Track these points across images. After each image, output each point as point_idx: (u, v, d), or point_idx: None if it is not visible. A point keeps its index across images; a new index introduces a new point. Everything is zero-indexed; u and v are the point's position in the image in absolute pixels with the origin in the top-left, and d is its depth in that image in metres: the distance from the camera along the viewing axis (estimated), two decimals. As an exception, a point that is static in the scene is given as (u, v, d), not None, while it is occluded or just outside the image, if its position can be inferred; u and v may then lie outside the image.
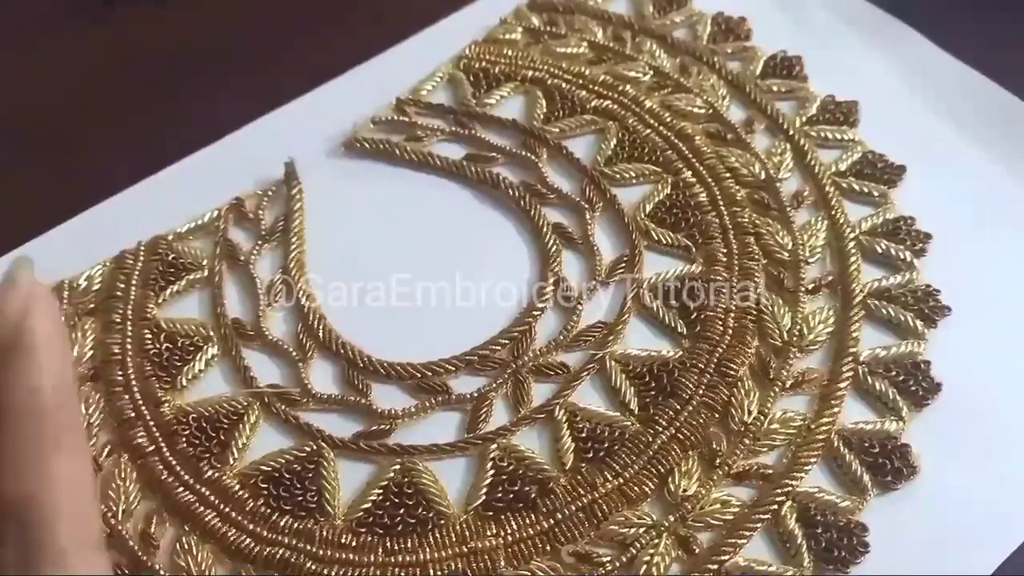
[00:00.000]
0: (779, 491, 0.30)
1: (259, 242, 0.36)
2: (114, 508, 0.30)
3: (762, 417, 0.32)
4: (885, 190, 0.37)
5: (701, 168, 0.38)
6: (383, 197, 0.38)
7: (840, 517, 0.30)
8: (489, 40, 0.43)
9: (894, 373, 0.33)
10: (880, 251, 0.36)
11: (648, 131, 0.39)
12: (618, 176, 0.38)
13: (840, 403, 0.32)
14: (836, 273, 0.35)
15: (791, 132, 0.39)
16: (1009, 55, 0.42)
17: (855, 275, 0.35)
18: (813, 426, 0.32)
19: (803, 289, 0.35)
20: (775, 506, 0.30)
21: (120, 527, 0.30)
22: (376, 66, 0.42)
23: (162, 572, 0.29)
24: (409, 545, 0.29)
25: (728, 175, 0.38)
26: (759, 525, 0.30)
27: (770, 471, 0.31)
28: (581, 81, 0.41)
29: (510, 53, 0.42)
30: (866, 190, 0.37)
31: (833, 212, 0.37)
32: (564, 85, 0.41)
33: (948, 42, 0.42)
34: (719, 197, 0.37)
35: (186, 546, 0.29)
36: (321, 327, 0.34)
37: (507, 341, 0.34)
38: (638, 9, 0.44)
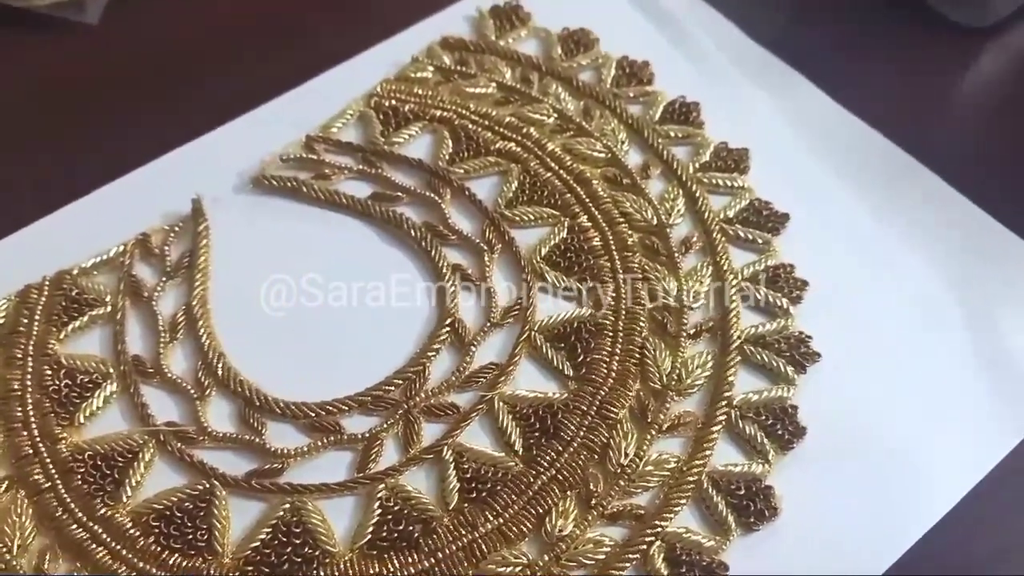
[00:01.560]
0: (649, 531, 0.32)
1: (163, 278, 0.37)
2: (9, 543, 0.31)
3: (638, 459, 0.34)
4: (769, 237, 0.39)
5: (596, 213, 0.39)
6: (289, 234, 0.39)
7: (704, 556, 0.32)
8: (400, 78, 0.44)
9: (763, 417, 0.35)
10: (759, 298, 0.38)
11: (549, 174, 0.41)
12: (518, 219, 0.39)
13: (712, 446, 0.34)
14: (717, 319, 0.37)
15: (684, 178, 0.41)
16: (894, 105, 0.44)
17: (734, 321, 0.37)
18: (685, 468, 0.34)
19: (685, 334, 0.37)
20: (644, 546, 0.32)
21: (14, 562, 0.31)
22: (288, 102, 0.43)
23: None
24: (291, 586, 0.31)
25: (622, 220, 0.39)
26: (629, 565, 0.32)
27: (642, 512, 0.33)
28: (487, 122, 0.42)
29: (420, 92, 0.43)
30: (751, 237, 0.39)
31: (719, 259, 0.39)
32: (470, 126, 0.42)
33: (838, 91, 0.44)
34: (612, 242, 0.39)
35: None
36: (220, 364, 0.35)
37: (401, 381, 0.35)
38: (547, 51, 0.45)
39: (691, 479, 0.33)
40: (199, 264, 0.38)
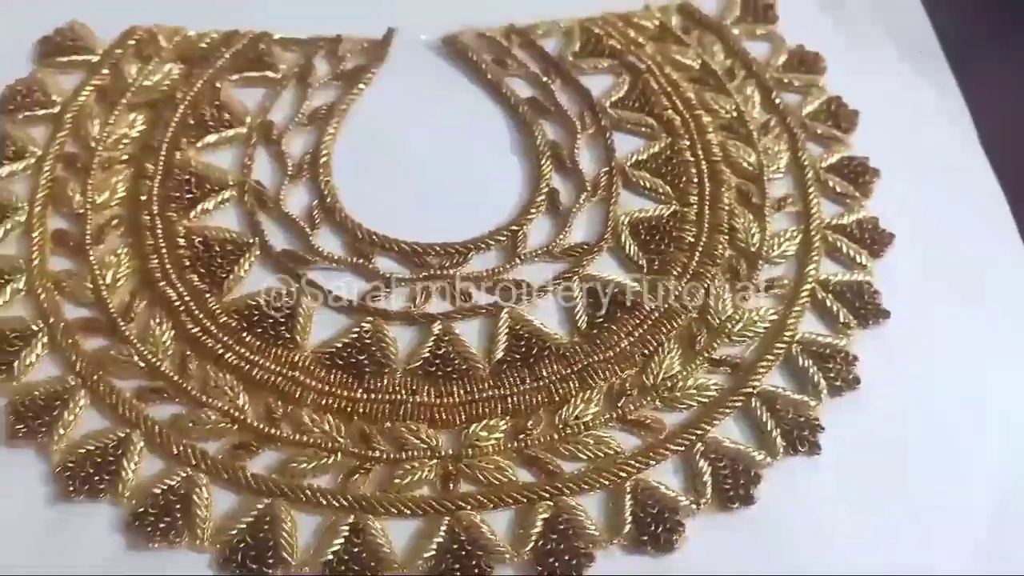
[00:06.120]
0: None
1: (300, 114, 0.41)
2: (102, 281, 0.36)
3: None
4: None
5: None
6: (443, 98, 0.43)
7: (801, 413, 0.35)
8: (624, 16, 0.45)
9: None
10: (837, 188, 0.40)
11: (692, 159, 0.41)
12: (634, 180, 0.40)
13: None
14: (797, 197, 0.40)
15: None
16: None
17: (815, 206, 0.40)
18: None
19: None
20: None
21: (105, 295, 0.36)
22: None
23: (133, 340, 0.35)
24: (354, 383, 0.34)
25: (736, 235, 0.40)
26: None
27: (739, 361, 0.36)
28: (669, 89, 0.43)
29: (632, 35, 0.45)
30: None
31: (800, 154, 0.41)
32: (653, 84, 0.43)
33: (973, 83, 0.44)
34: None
35: (160, 326, 0.35)
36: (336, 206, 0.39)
37: (503, 237, 0.38)
38: (769, 57, 0.45)
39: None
40: (340, 108, 0.41)
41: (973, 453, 0.35)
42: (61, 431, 0.33)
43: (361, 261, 0.38)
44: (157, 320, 0.35)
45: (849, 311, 0.37)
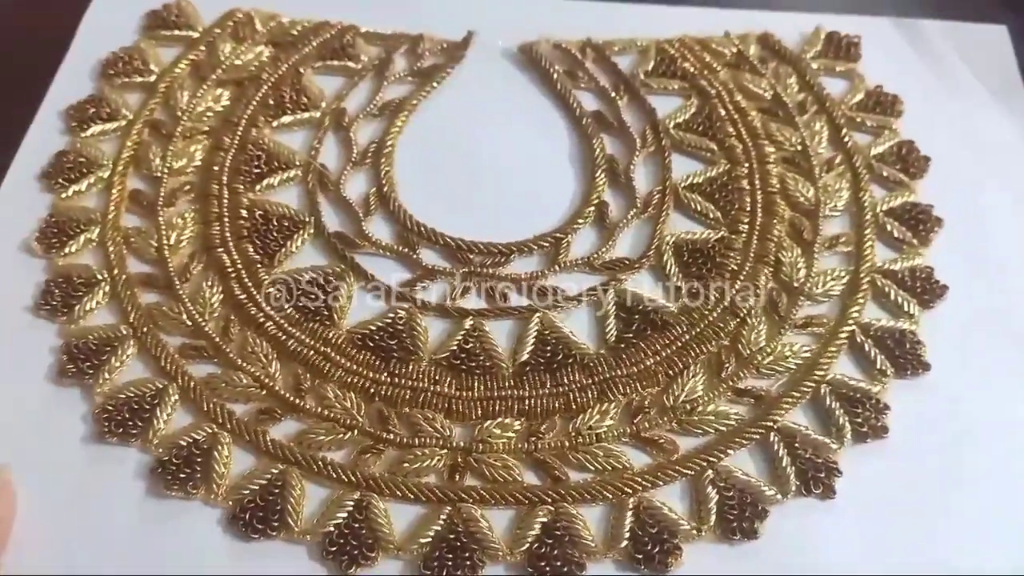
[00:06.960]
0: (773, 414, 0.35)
1: (372, 104, 0.43)
2: (166, 241, 0.38)
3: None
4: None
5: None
6: (511, 103, 0.44)
7: (819, 454, 0.34)
8: (702, 41, 0.45)
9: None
10: (897, 236, 0.40)
11: (748, 188, 0.41)
12: (685, 201, 0.40)
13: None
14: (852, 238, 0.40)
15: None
16: None
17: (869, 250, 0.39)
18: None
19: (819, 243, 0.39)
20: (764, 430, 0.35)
21: (167, 254, 0.38)
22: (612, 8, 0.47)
23: (184, 299, 0.37)
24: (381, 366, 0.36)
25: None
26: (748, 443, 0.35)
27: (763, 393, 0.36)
28: (736, 116, 0.43)
29: (708, 59, 0.45)
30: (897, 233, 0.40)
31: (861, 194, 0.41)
32: (720, 110, 0.43)
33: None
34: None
35: (211, 289, 0.37)
36: (392, 195, 0.40)
37: (546, 243, 0.39)
38: (844, 94, 0.44)
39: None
40: (411, 103, 0.43)
41: (1002, 521, 0.33)
42: (106, 375, 0.35)
43: (407, 251, 0.39)
44: (209, 283, 0.37)
45: (888, 358, 0.36)
